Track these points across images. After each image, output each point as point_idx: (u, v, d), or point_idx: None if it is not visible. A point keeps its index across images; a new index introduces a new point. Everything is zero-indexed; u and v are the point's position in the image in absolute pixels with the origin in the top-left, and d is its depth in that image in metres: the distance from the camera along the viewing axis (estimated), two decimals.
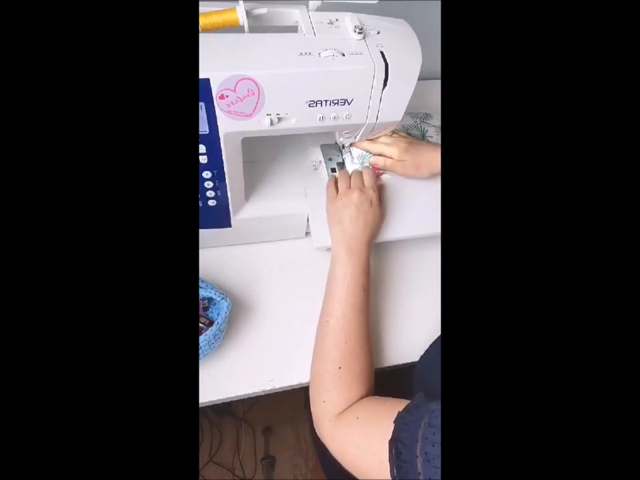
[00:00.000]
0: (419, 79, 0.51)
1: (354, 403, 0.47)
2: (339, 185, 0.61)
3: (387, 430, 0.40)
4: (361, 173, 0.62)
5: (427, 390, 0.42)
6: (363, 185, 0.60)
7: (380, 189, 0.63)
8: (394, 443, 0.38)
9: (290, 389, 0.56)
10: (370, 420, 0.44)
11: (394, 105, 0.53)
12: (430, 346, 0.57)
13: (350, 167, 0.65)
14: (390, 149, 0.62)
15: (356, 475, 0.44)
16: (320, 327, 0.54)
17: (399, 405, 0.42)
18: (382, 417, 0.43)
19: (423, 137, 0.74)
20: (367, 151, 0.64)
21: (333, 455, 0.47)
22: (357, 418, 0.45)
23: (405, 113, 0.55)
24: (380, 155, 0.63)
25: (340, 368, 0.49)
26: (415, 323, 0.62)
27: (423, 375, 0.55)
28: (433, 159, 0.63)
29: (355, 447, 0.44)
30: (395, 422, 0.40)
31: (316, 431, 0.49)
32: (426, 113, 0.78)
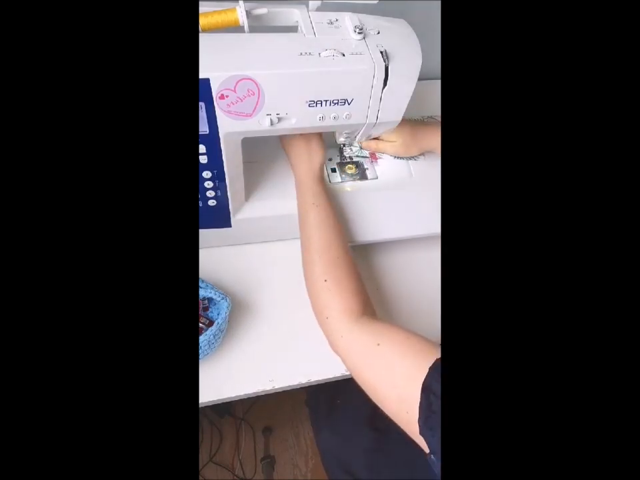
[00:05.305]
0: (419, 79, 0.51)
1: (371, 327, 0.47)
2: None
3: (410, 367, 0.40)
4: None
5: None
6: None
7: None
8: (426, 391, 0.37)
9: (290, 389, 0.56)
10: (393, 350, 0.43)
11: (394, 104, 0.53)
12: None
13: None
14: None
15: (370, 396, 0.44)
16: (301, 251, 0.56)
17: (423, 345, 0.42)
18: (406, 352, 0.42)
19: None
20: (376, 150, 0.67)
21: (348, 370, 0.47)
22: (378, 345, 0.44)
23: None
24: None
25: (326, 280, 0.51)
26: (422, 322, 0.61)
27: None
28: (424, 134, 0.65)
29: (374, 374, 0.43)
30: (431, 368, 0.38)
31: (332, 348, 0.49)
32: (430, 116, 0.80)
